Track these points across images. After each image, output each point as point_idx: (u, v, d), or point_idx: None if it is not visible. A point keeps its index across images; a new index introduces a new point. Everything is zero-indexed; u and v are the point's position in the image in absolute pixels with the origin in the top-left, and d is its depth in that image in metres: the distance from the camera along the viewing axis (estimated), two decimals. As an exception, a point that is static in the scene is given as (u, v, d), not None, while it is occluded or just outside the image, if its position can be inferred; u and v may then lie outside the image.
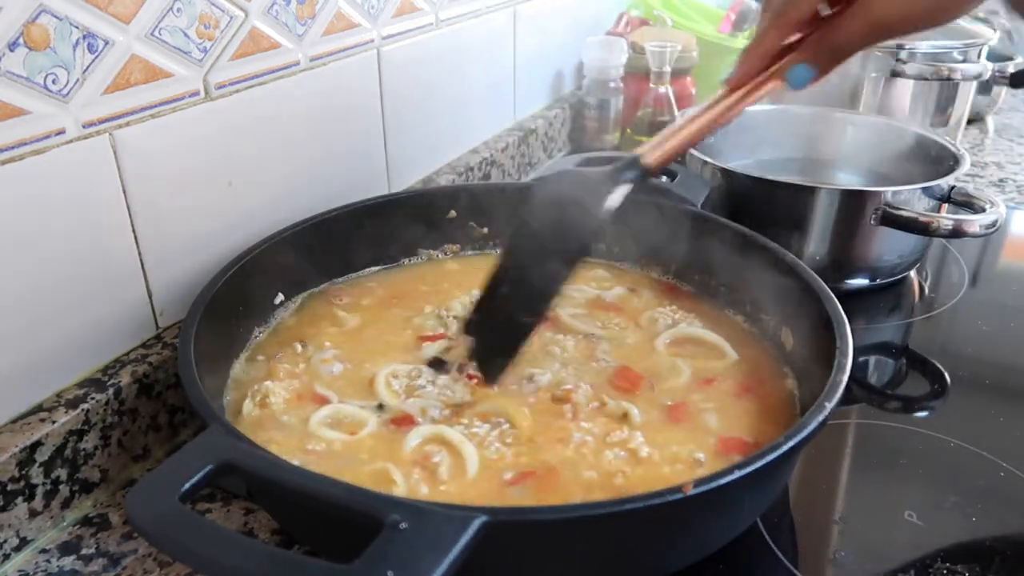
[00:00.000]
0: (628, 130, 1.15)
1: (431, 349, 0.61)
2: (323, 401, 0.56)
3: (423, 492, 0.48)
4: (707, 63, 1.24)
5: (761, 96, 0.50)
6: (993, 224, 0.73)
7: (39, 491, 0.51)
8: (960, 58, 1.05)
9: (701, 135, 0.52)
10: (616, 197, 0.51)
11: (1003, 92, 1.34)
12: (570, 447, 0.52)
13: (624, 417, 0.55)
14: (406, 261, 0.75)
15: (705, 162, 0.82)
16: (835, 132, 0.97)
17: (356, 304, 0.68)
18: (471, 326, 0.58)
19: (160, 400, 0.59)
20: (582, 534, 0.41)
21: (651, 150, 0.52)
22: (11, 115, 0.48)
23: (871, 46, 0.45)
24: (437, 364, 0.59)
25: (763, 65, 0.49)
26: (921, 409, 0.67)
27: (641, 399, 0.57)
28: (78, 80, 0.51)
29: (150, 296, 0.60)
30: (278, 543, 0.52)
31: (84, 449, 0.53)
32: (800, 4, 0.46)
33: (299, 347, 0.61)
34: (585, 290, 0.71)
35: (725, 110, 0.51)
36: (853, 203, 0.76)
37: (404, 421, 0.54)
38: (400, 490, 0.48)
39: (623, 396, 0.57)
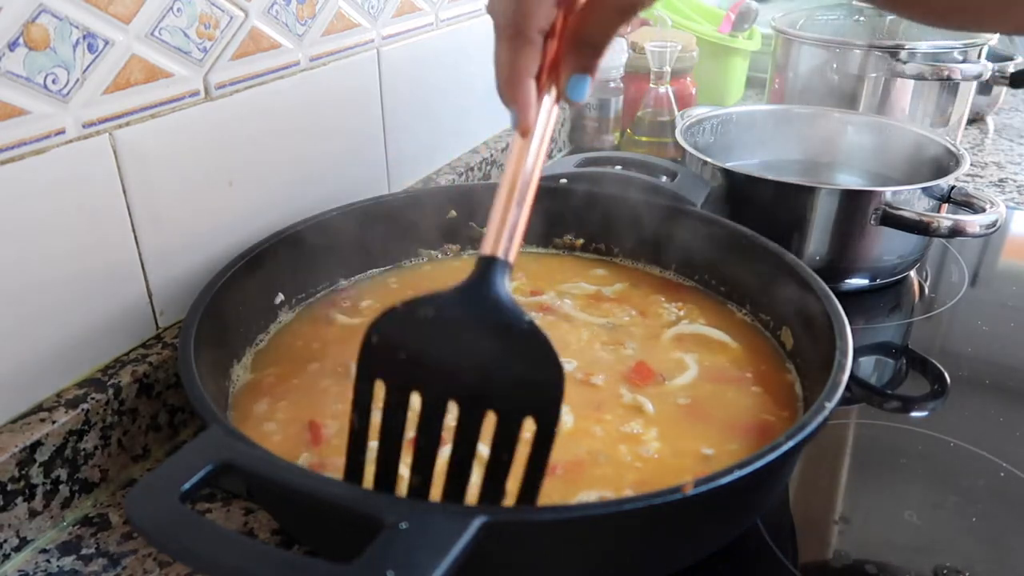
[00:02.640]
0: (628, 130, 1.15)
1: None
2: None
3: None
4: (707, 63, 1.24)
5: (553, 127, 0.43)
6: (993, 224, 0.73)
7: (39, 491, 0.51)
8: (960, 58, 1.05)
9: (532, 200, 0.42)
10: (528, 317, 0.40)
11: (1003, 92, 1.34)
12: (597, 439, 0.53)
13: (639, 410, 0.55)
14: (406, 262, 0.75)
15: (705, 162, 0.82)
16: (835, 132, 0.97)
17: (355, 307, 0.68)
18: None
19: (160, 400, 0.59)
20: (582, 534, 0.41)
21: (496, 243, 0.41)
22: (11, 115, 0.48)
23: (622, 26, 0.41)
24: None
25: (535, 94, 0.42)
26: (921, 409, 0.67)
27: (652, 392, 0.57)
28: (78, 80, 0.51)
29: (150, 296, 0.60)
30: (278, 543, 0.52)
31: (84, 449, 0.53)
32: (537, 13, 0.40)
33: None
34: (584, 286, 0.71)
35: (535, 161, 0.42)
36: (853, 203, 0.76)
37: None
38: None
39: (637, 389, 0.57)
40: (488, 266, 0.40)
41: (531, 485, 0.39)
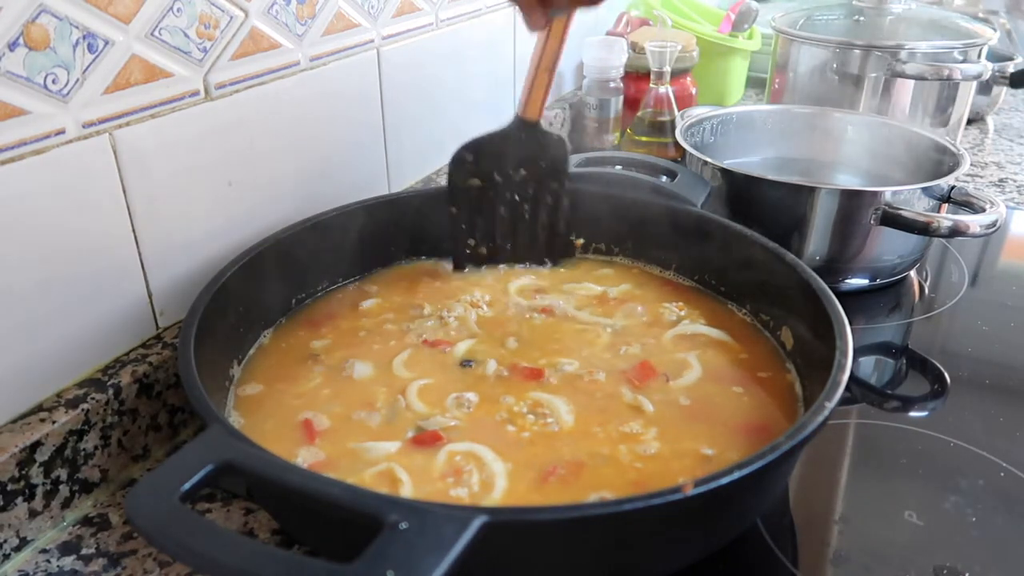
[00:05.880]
0: (628, 130, 1.15)
1: (461, 348, 0.62)
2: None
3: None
4: (707, 63, 1.24)
5: (572, 18, 0.60)
6: (993, 224, 0.73)
7: (39, 491, 0.51)
8: (960, 58, 1.05)
9: (553, 74, 0.64)
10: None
11: (1003, 92, 1.34)
12: (597, 439, 0.53)
13: (639, 410, 0.55)
14: (408, 260, 0.75)
15: (705, 162, 0.82)
16: (835, 132, 0.97)
17: (356, 306, 0.68)
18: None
19: (160, 400, 0.59)
20: (582, 534, 0.41)
21: (526, 106, 0.67)
22: (11, 115, 0.48)
23: None
24: (467, 364, 0.60)
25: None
26: (921, 409, 0.67)
27: (655, 393, 0.57)
28: (78, 80, 0.51)
29: (150, 296, 0.60)
30: (278, 543, 0.52)
31: (84, 449, 0.53)
32: None
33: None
34: (590, 287, 0.71)
35: (557, 43, 0.61)
36: (853, 203, 0.76)
37: (429, 439, 0.53)
38: (406, 489, 0.48)
39: (638, 389, 0.57)
40: (519, 120, 0.68)
41: (557, 217, 0.73)
